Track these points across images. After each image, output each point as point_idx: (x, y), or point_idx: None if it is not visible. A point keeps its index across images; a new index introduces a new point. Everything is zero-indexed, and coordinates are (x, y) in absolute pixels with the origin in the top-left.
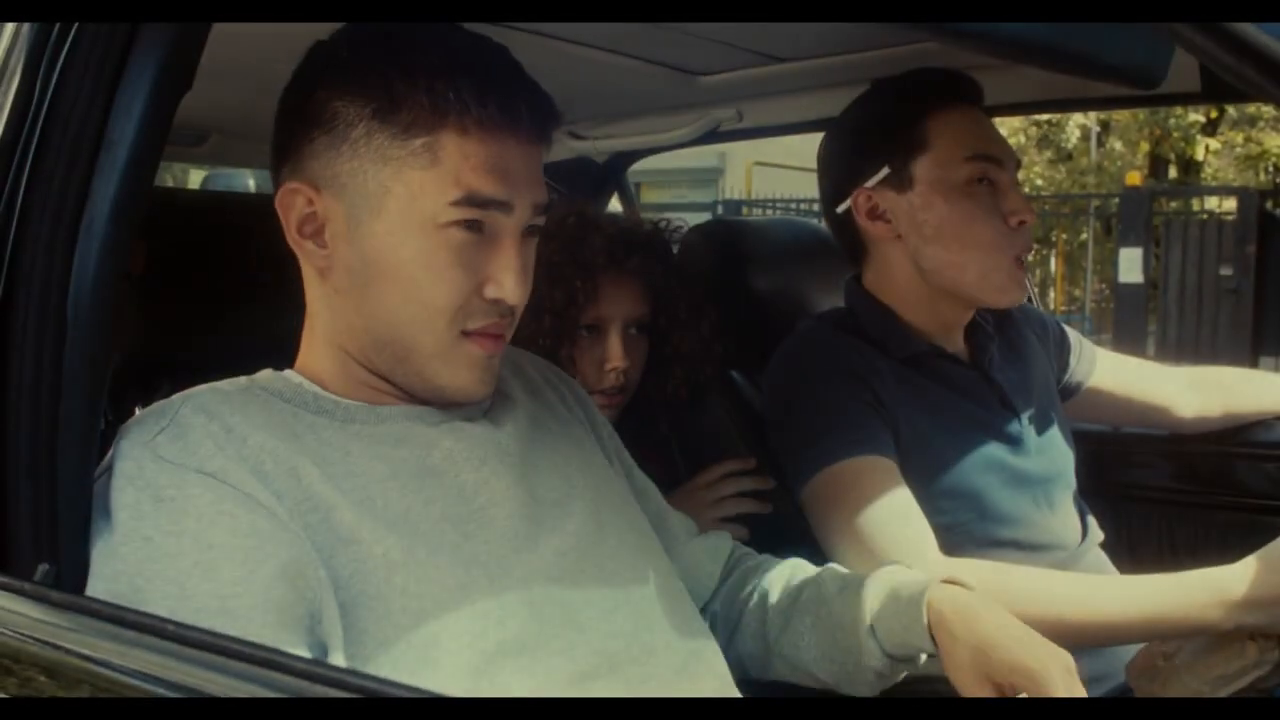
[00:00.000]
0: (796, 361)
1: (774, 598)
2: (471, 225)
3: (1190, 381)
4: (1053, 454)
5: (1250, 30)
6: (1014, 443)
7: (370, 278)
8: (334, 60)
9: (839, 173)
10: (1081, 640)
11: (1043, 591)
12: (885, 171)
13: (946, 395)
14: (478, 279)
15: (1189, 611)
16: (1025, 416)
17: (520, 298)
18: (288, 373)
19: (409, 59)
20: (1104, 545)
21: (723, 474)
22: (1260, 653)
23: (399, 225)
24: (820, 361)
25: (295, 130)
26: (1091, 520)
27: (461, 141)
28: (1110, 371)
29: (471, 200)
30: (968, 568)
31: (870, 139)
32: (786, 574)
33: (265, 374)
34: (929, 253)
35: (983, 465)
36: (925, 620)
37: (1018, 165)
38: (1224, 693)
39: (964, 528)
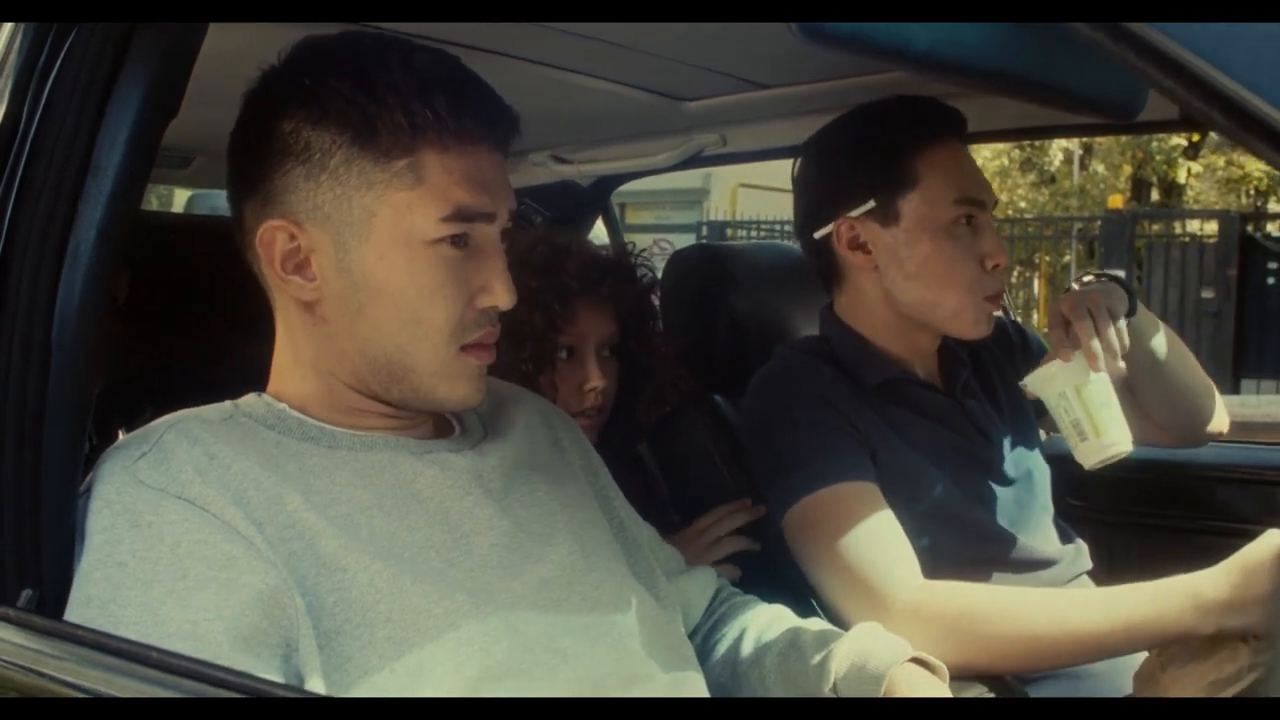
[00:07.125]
0: (772, 390)
1: (750, 641)
2: (458, 240)
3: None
4: (1028, 475)
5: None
6: (988, 466)
7: (364, 302)
8: (294, 88)
9: (820, 198)
10: (1058, 657)
11: (1016, 608)
12: (871, 204)
13: (920, 421)
14: (469, 292)
15: (1164, 618)
16: (998, 439)
17: (511, 302)
18: (269, 398)
19: (375, 80)
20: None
21: (717, 519)
22: (1254, 654)
23: (388, 247)
24: (795, 389)
25: (262, 164)
26: (1079, 544)
27: (443, 158)
28: None
29: (460, 214)
30: (944, 591)
31: (856, 169)
32: (767, 619)
33: (250, 399)
34: (907, 288)
35: (959, 489)
36: (880, 696)
37: (995, 204)
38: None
39: (945, 549)
